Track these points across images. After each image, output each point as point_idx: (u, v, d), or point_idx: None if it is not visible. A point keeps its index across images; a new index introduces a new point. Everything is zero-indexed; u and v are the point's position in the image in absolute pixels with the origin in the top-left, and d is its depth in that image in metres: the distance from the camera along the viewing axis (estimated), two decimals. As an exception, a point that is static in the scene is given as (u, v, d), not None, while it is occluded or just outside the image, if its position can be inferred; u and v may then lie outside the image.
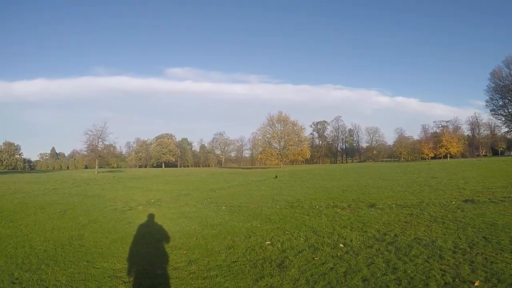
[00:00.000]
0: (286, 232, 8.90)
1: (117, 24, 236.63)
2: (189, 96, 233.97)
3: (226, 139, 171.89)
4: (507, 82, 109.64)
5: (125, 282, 5.85)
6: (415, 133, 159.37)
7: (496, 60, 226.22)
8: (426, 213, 10.57)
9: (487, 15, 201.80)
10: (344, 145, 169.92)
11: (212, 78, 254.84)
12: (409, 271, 5.58)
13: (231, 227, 9.93)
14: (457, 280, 5.13)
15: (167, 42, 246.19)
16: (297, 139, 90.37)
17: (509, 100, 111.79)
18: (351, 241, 7.70)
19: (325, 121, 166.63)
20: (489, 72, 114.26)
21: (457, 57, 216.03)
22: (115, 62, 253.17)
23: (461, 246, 6.84)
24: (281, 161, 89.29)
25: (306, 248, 7.31)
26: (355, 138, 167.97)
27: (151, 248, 7.84)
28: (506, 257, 5.97)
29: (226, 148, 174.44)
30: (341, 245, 7.39)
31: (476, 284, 4.92)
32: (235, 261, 6.69)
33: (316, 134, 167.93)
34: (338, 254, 6.74)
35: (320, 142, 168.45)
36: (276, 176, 36.69)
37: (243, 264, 6.43)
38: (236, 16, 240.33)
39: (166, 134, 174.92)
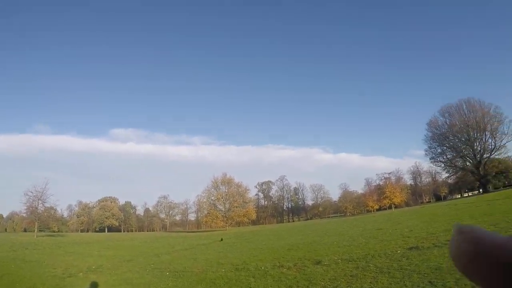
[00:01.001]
0: None
1: (61, 83, 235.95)
2: (133, 157, 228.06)
3: (171, 202, 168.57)
4: (443, 130, 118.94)
5: None
6: (359, 187, 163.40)
7: (430, 111, 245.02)
8: (372, 265, 10.46)
9: (420, 70, 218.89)
10: (289, 204, 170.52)
11: (156, 140, 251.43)
12: None
13: None
14: None
15: (111, 101, 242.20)
16: (242, 200, 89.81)
17: (446, 147, 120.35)
18: None
19: (270, 181, 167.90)
20: (425, 122, 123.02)
21: (394, 111, 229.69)
22: (57, 121, 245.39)
23: None
24: (226, 223, 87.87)
25: None
26: (301, 196, 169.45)
27: None
28: None
29: (170, 212, 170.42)
30: None
31: None
32: None
33: (261, 195, 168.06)
34: None
35: (266, 202, 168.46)
36: (222, 239, 36.20)
37: None
38: (176, 76, 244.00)
39: (109, 197, 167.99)
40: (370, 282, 8.17)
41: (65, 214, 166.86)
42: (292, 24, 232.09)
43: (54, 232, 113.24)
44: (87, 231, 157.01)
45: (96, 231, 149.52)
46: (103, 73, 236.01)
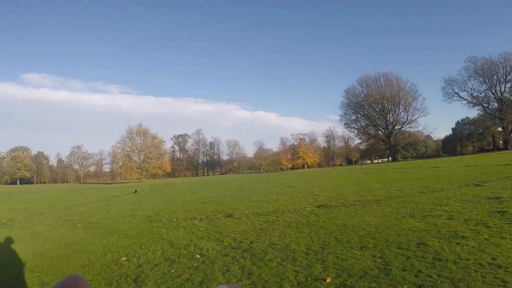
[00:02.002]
0: (143, 246, 8.41)
1: None
2: (46, 105, 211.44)
3: (85, 152, 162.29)
4: (359, 99, 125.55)
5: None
6: (274, 146, 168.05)
7: (347, 79, 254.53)
8: (281, 220, 10.67)
9: (342, 35, 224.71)
10: (205, 158, 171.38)
11: (71, 87, 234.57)
12: (263, 275, 5.56)
13: (87, 245, 9.14)
14: (309, 279, 5.22)
15: (24, 43, 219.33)
16: (157, 152, 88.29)
17: (361, 115, 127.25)
18: (208, 251, 7.48)
19: (186, 134, 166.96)
20: (343, 89, 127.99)
21: (313, 74, 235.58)
22: None
23: (314, 247, 6.98)
24: (141, 175, 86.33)
25: (163, 261, 6.95)
26: (216, 151, 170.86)
27: (1, 274, 6.81)
28: (356, 254, 6.24)
29: (85, 163, 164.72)
30: (197, 255, 7.14)
31: (327, 280, 5.04)
32: (90, 279, 6.04)
33: (177, 148, 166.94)
34: (195, 264, 6.51)
35: (181, 155, 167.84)
36: (136, 191, 35.92)
37: (98, 282, 5.90)
38: (100, 22, 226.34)
39: (20, 147, 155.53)
40: (279, 236, 8.30)
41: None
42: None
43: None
44: None
45: (7, 184, 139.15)
46: (15, 9, 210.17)
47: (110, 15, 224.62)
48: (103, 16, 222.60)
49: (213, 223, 11.19)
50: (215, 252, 7.33)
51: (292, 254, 6.58)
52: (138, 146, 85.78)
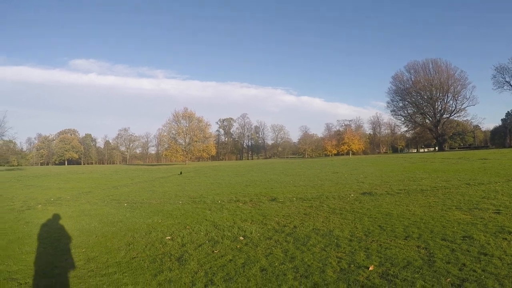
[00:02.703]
0: (187, 227, 8.68)
1: (18, 10, 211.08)
2: (94, 89, 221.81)
3: (131, 135, 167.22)
4: (407, 86, 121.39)
5: (21, 284, 5.36)
6: (319, 131, 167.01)
7: (395, 65, 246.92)
8: (325, 205, 10.74)
9: (391, 22, 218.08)
10: (250, 142, 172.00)
11: (118, 72, 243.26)
12: (306, 260, 5.64)
13: (132, 223, 9.54)
14: (352, 265, 5.27)
15: (72, 30, 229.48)
16: (202, 135, 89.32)
17: (408, 102, 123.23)
18: (251, 233, 7.66)
19: (231, 118, 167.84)
20: (390, 75, 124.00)
21: (361, 60, 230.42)
22: (15, 51, 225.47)
23: (357, 234, 7.02)
24: (186, 157, 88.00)
25: (206, 241, 7.18)
26: (261, 135, 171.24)
27: (50, 248, 7.26)
28: (400, 243, 6.24)
29: (131, 145, 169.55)
30: (241, 237, 7.34)
31: (370, 268, 5.08)
32: (135, 257, 6.37)
33: (222, 131, 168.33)
34: (238, 246, 6.68)
35: (226, 139, 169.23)
36: (181, 173, 36.61)
37: (142, 260, 6.13)
38: (144, 9, 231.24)
39: (69, 129, 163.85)
40: (322, 221, 8.36)
41: (24, 147, 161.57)
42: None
43: (13, 166, 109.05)
44: (47, 164, 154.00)
45: (56, 164, 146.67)
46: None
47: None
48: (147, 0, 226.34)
49: (257, 206, 11.38)
50: (258, 234, 7.49)
51: (335, 240, 6.64)
52: (184, 129, 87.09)
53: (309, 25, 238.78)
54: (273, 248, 6.39)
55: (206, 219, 9.50)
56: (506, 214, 8.20)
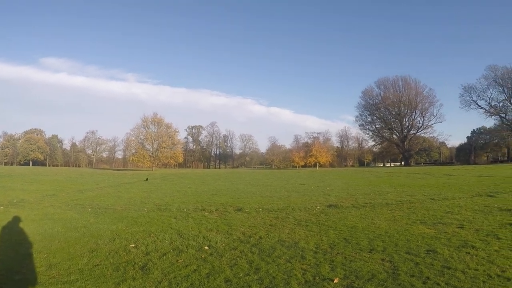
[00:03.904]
0: (152, 234, 8.49)
1: None
2: (63, 89, 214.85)
3: (99, 138, 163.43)
4: (376, 101, 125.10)
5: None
6: (287, 143, 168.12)
7: (365, 80, 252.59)
8: (291, 217, 10.71)
9: (359, 37, 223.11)
10: (218, 151, 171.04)
11: (89, 73, 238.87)
12: (271, 271, 5.61)
13: (96, 229, 9.25)
14: (317, 278, 5.26)
15: (44, 28, 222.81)
16: (170, 142, 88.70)
17: (376, 117, 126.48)
18: (216, 243, 7.55)
19: (200, 126, 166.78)
20: (360, 90, 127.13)
21: (330, 74, 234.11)
22: None
23: (323, 247, 7.03)
24: (153, 164, 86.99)
25: (171, 250, 7.03)
26: (229, 144, 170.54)
27: (10, 252, 6.94)
28: (364, 256, 6.28)
29: (98, 148, 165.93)
30: (206, 247, 7.22)
31: (335, 281, 5.09)
32: (98, 264, 6.21)
33: (190, 138, 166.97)
34: (203, 256, 6.58)
35: (194, 146, 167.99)
36: (147, 179, 36.36)
37: (106, 268, 5.98)
38: (118, 11, 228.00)
39: (35, 129, 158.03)
40: (288, 233, 8.34)
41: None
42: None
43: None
44: (11, 164, 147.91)
45: (20, 165, 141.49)
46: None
47: (129, 3, 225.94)
48: (121, 4, 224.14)
49: (223, 216, 11.25)
50: (223, 244, 7.40)
51: (300, 252, 6.62)
52: (152, 134, 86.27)
53: (281, 39, 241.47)
54: (238, 258, 6.32)
55: (171, 228, 9.32)
56: (469, 228, 8.38)
